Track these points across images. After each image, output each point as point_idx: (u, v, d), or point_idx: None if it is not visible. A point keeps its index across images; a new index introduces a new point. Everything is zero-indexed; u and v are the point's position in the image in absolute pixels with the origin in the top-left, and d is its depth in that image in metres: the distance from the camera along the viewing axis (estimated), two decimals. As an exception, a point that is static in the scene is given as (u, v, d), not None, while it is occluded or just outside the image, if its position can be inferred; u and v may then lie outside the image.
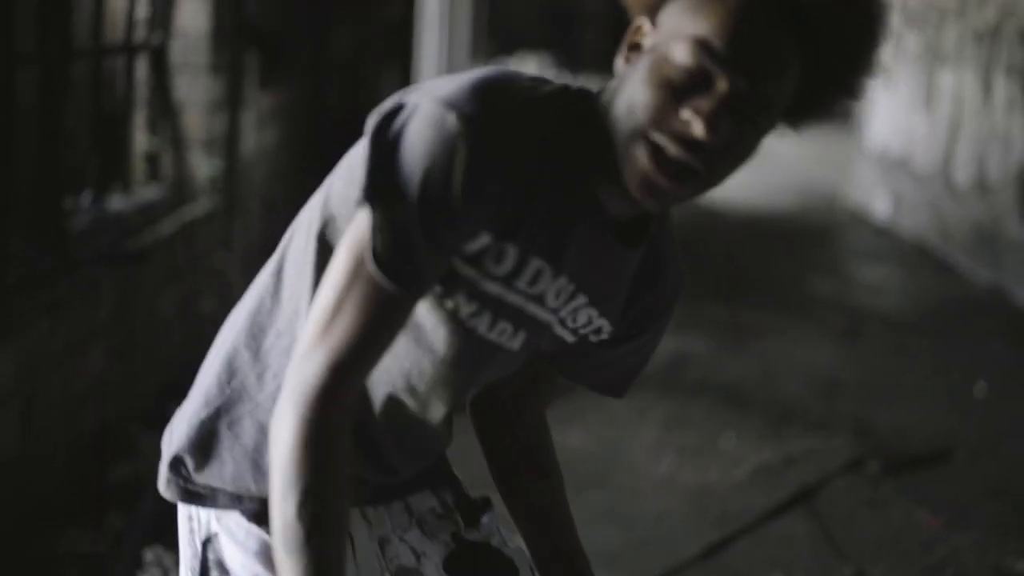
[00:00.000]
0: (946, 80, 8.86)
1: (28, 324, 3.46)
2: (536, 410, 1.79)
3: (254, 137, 5.64)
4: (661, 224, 1.59)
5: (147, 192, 4.74)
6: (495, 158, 1.35)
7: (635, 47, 1.44)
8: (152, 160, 4.89)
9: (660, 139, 1.35)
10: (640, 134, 1.36)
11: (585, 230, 1.46)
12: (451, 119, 1.34)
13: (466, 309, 1.45)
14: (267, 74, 5.74)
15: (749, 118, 1.38)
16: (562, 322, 1.54)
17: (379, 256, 1.35)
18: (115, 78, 4.61)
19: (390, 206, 1.34)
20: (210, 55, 4.93)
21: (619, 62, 1.44)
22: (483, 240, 1.40)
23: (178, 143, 4.94)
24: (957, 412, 5.35)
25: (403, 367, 1.50)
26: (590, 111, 1.44)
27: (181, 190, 4.93)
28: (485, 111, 1.35)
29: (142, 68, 4.79)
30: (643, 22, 1.44)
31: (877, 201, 10.30)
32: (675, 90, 1.35)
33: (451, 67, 15.37)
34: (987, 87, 8.02)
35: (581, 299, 1.53)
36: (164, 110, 4.90)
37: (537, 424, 1.80)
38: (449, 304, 1.44)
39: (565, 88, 1.47)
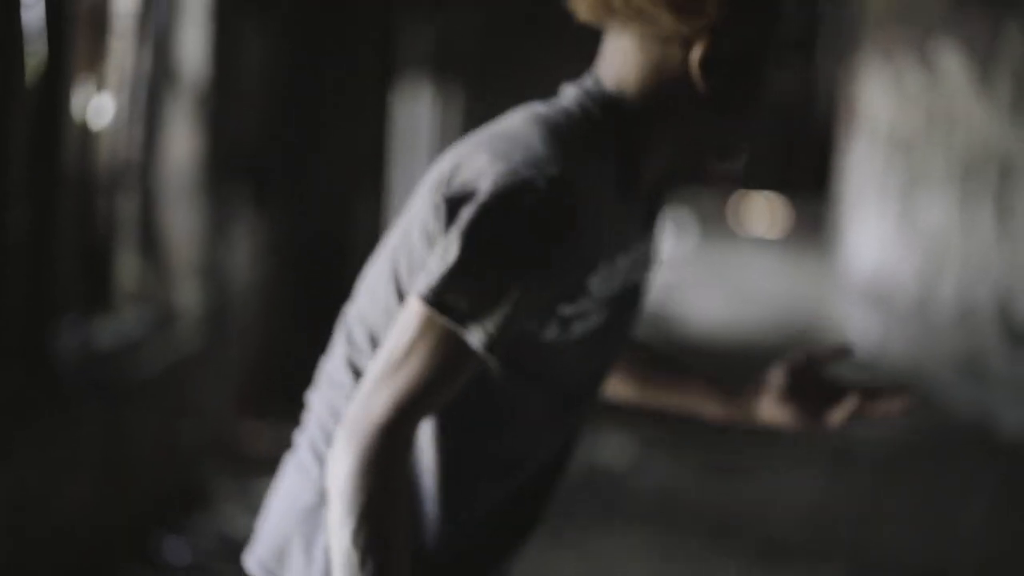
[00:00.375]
0: (927, 209, 8.94)
1: (14, 453, 3.41)
2: None
3: (241, 266, 5.63)
4: None
5: (133, 322, 4.70)
6: (585, 204, 1.45)
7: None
8: (138, 291, 4.86)
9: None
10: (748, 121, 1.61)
11: (632, 205, 1.59)
12: (543, 187, 1.42)
13: (568, 331, 1.53)
14: (255, 203, 5.75)
15: None
16: (631, 271, 1.64)
17: (466, 319, 1.41)
18: (103, 207, 4.61)
19: (487, 276, 1.41)
20: (198, 185, 4.94)
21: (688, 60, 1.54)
22: (589, 278, 1.50)
23: (165, 272, 4.92)
24: (948, 541, 5.31)
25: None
26: (616, 107, 1.56)
27: (167, 320, 4.90)
28: (563, 165, 1.45)
29: (131, 197, 4.79)
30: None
31: (858, 330, 10.32)
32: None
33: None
34: (968, 217, 8.09)
35: (635, 250, 1.64)
36: (151, 240, 4.89)
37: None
38: (550, 334, 1.52)
39: (581, 101, 1.57)
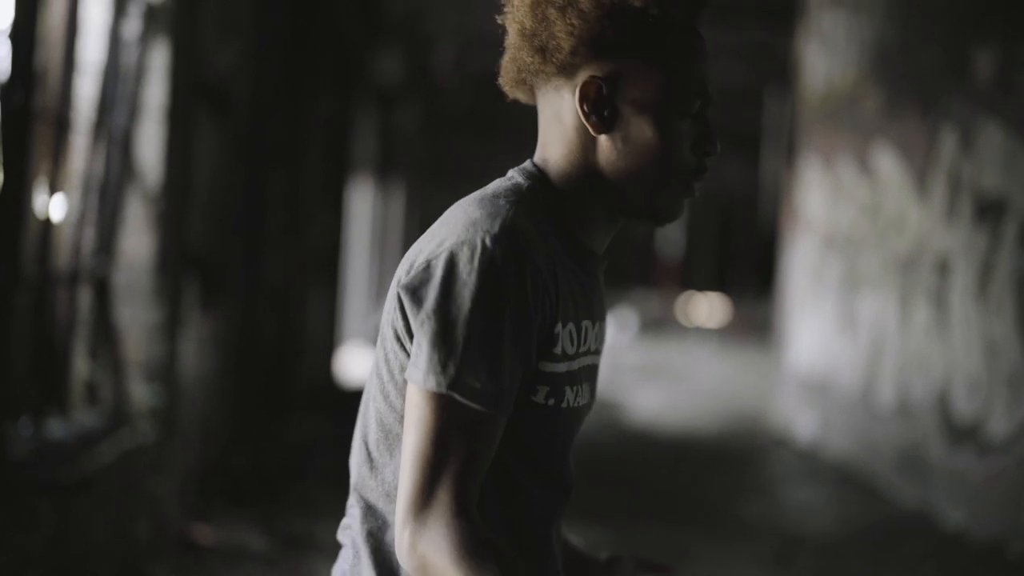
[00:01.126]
0: (866, 305, 9.12)
1: (-33, 554, 3.43)
2: None
3: (192, 362, 5.68)
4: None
5: (86, 418, 4.74)
6: (538, 255, 1.56)
7: (607, 110, 1.63)
8: (91, 386, 4.90)
9: (689, 179, 1.68)
10: (671, 181, 1.67)
11: (587, 274, 1.69)
12: (488, 243, 1.52)
13: (559, 393, 1.62)
14: (206, 300, 5.82)
15: None
16: (597, 352, 1.73)
17: (467, 388, 1.50)
18: (60, 304, 4.66)
19: (466, 340, 1.50)
20: (152, 282, 5.00)
21: (588, 126, 1.64)
22: (555, 329, 1.59)
23: (118, 369, 4.97)
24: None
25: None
26: (549, 184, 1.67)
27: (119, 416, 4.93)
28: (506, 225, 1.55)
29: (85, 295, 4.85)
30: (598, 84, 1.62)
31: (800, 423, 10.45)
32: (690, 141, 1.66)
33: (382, 286, 15.56)
34: (906, 313, 8.27)
35: (599, 325, 1.74)
36: (105, 336, 4.94)
37: None
38: (540, 397, 1.61)
39: (513, 178, 1.69)
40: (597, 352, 1.74)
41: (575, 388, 1.66)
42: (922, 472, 7.80)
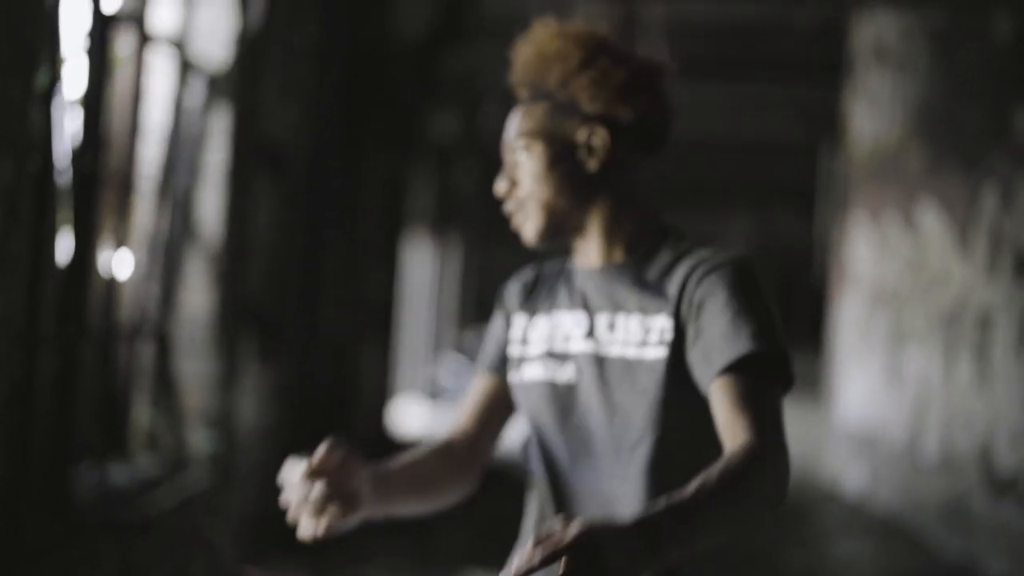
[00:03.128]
0: (912, 359, 9.22)
1: (35, 591, 3.65)
2: None
3: (250, 412, 5.91)
4: (650, 243, 2.07)
5: (146, 464, 4.97)
6: (524, 273, 2.18)
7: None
8: (152, 434, 5.14)
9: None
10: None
11: (579, 276, 2.07)
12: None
13: (520, 371, 2.09)
14: (264, 353, 6.05)
15: None
16: (604, 343, 2.00)
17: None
18: (122, 356, 4.91)
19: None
20: (211, 335, 5.25)
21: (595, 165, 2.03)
22: (521, 322, 2.12)
23: (177, 418, 5.20)
24: None
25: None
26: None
27: (179, 462, 5.16)
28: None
29: (148, 347, 5.10)
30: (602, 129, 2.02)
31: (848, 477, 10.53)
32: None
33: (438, 340, 15.78)
34: (950, 367, 8.37)
35: (607, 315, 2.02)
36: (166, 387, 5.18)
37: None
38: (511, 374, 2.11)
39: None
40: (607, 352, 2.05)
41: (538, 365, 2.12)
42: (966, 524, 7.87)
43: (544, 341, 2.07)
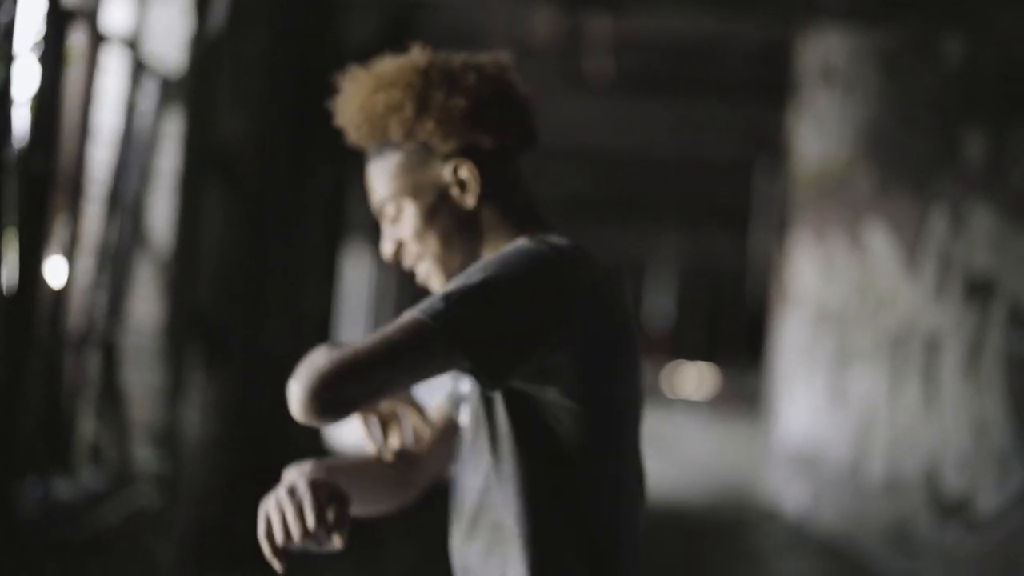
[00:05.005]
0: (857, 380, 9.22)
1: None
2: None
3: (195, 426, 5.75)
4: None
5: (91, 479, 4.80)
6: None
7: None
8: (96, 448, 4.97)
9: None
10: None
11: None
12: None
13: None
14: (210, 365, 5.90)
15: None
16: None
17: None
18: (68, 368, 4.74)
19: None
20: (159, 346, 5.09)
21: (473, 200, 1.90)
22: None
23: (123, 431, 5.04)
24: None
25: None
26: None
27: (124, 478, 5.00)
28: None
29: (94, 357, 4.93)
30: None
31: (789, 496, 10.51)
32: None
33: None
34: (896, 389, 8.37)
35: None
36: (112, 399, 5.01)
37: None
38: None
39: None
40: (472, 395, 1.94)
41: (465, 408, 1.96)
42: (911, 547, 7.86)
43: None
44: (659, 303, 24.16)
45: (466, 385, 1.92)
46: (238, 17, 5.62)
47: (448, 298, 1.68)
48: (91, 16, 4.48)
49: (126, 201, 5.00)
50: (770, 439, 11.55)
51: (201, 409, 5.83)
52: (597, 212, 21.43)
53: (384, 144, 1.91)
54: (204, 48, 5.17)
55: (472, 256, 1.90)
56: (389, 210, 1.92)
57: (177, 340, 5.27)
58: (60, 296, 4.52)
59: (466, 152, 1.88)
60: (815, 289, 10.41)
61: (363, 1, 8.96)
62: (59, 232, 4.51)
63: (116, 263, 4.96)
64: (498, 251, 1.84)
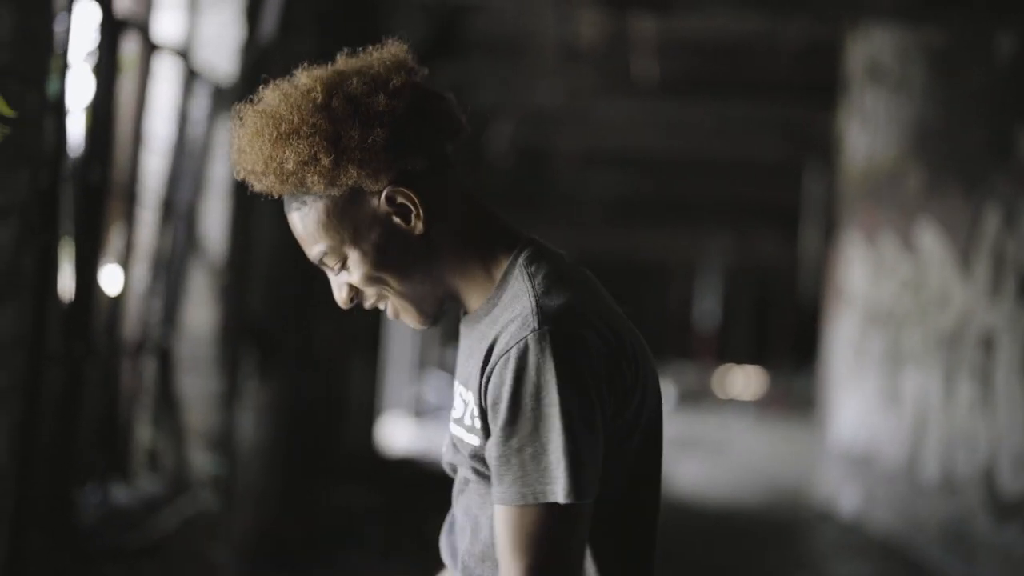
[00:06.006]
0: (910, 381, 9.15)
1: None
2: None
3: (249, 431, 5.78)
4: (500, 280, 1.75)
5: (148, 485, 4.84)
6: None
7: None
8: (154, 454, 5.01)
9: None
10: None
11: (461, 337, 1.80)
12: None
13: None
14: (263, 370, 5.93)
15: None
16: (456, 420, 1.77)
17: None
18: (123, 374, 4.78)
19: None
20: (213, 352, 5.12)
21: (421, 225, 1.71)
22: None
23: (179, 437, 5.07)
24: None
25: None
26: None
27: (181, 483, 5.03)
28: None
29: (150, 364, 4.96)
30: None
31: (844, 497, 10.45)
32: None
33: (422, 357, 15.67)
34: (950, 388, 8.31)
35: (459, 385, 1.79)
36: (168, 405, 5.05)
37: None
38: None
39: None
40: (452, 416, 1.80)
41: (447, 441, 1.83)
42: (967, 548, 7.79)
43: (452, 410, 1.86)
44: (707, 304, 24.08)
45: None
46: (288, 24, 5.65)
47: (556, 467, 1.60)
48: (143, 26, 4.52)
49: (180, 209, 5.03)
50: (824, 439, 11.49)
51: (255, 413, 5.86)
52: (644, 214, 21.40)
53: (308, 198, 1.70)
54: (255, 55, 5.19)
55: (438, 280, 1.74)
56: (331, 261, 1.72)
57: (231, 345, 5.30)
58: (116, 304, 4.56)
59: (401, 181, 1.68)
60: (866, 289, 10.35)
61: (410, 6, 8.99)
62: (114, 240, 4.55)
63: (171, 270, 5.00)
64: (459, 273, 1.74)
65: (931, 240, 8.85)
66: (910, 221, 9.27)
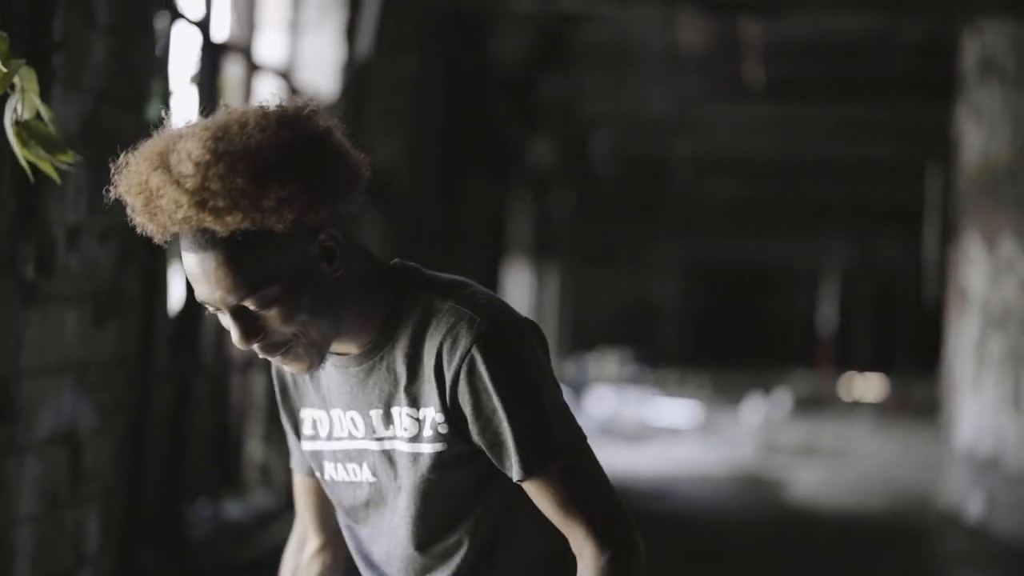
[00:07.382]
0: (1032, 382, 8.95)
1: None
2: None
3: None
4: (390, 332, 1.82)
5: (260, 499, 4.91)
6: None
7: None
8: (265, 468, 5.08)
9: None
10: None
11: (332, 373, 1.85)
12: None
13: (321, 468, 1.92)
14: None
15: None
16: (381, 439, 1.84)
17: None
18: (234, 391, 4.86)
19: None
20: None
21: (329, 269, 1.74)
22: (300, 416, 1.93)
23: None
24: None
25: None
26: None
27: (291, 498, 5.09)
28: None
29: (259, 381, 5.04)
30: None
31: (969, 502, 10.24)
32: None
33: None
34: (1074, 390, 8.10)
35: (377, 412, 1.83)
36: (277, 420, 5.11)
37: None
38: (316, 471, 1.95)
39: None
40: (374, 438, 1.84)
41: (335, 465, 1.89)
42: (1096, 553, 7.59)
43: (331, 437, 1.89)
44: (827, 309, 23.77)
45: (318, 444, 1.92)
46: (387, 42, 5.71)
47: (555, 424, 1.80)
48: (245, 47, 4.60)
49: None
50: (948, 443, 11.28)
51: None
52: (761, 220, 21.22)
53: (249, 230, 1.64)
54: (355, 73, 5.26)
55: (341, 321, 1.76)
56: (255, 302, 1.67)
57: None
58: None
59: (321, 226, 1.69)
60: (986, 289, 10.15)
61: (514, 19, 9.03)
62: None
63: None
64: (354, 311, 1.78)
65: (1051, 239, 8.65)
66: (1029, 221, 9.07)
